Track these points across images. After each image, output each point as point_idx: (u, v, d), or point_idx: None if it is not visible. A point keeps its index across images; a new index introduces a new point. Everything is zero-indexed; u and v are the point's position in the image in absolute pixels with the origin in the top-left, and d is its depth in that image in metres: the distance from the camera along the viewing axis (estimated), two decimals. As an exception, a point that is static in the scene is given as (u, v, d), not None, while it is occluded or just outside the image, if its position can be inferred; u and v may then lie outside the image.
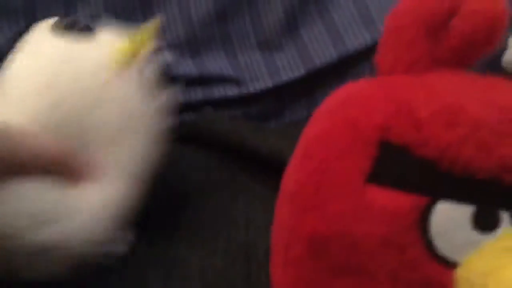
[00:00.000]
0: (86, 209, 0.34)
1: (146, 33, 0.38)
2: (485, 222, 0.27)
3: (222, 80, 0.53)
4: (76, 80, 0.35)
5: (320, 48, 0.55)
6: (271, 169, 0.41)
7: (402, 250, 0.27)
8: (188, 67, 0.53)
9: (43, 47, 0.37)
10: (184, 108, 0.50)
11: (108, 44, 0.37)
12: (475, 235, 0.27)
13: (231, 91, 0.54)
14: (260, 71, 0.54)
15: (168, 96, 0.39)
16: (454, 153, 0.27)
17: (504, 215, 0.27)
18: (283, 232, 0.30)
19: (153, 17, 0.40)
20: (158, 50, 0.39)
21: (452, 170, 0.27)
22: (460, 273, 0.27)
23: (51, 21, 0.39)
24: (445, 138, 0.27)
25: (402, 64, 0.32)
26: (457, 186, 0.27)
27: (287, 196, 0.31)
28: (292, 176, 0.31)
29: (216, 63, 0.54)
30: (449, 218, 0.27)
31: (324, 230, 0.28)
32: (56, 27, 0.38)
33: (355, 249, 0.28)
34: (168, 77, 0.39)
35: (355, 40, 0.55)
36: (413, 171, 0.27)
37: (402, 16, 0.32)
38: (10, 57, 0.37)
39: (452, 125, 0.28)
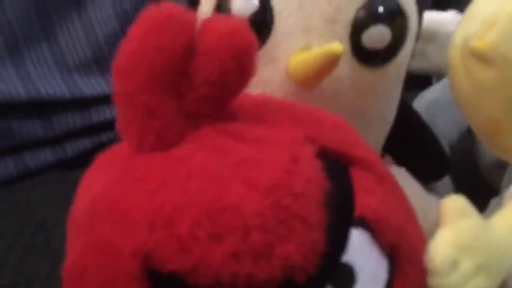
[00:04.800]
0: None
1: None
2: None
3: None
4: None
5: None
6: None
7: None
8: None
9: None
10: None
11: None
12: None
13: None
14: None
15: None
16: (230, 275, 0.22)
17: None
18: None
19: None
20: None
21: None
22: None
23: None
24: (216, 258, 0.22)
25: (149, 134, 0.25)
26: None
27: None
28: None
29: None
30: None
31: None
32: None
33: None
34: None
35: None
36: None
37: (127, 76, 0.25)
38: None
39: (218, 236, 0.22)
